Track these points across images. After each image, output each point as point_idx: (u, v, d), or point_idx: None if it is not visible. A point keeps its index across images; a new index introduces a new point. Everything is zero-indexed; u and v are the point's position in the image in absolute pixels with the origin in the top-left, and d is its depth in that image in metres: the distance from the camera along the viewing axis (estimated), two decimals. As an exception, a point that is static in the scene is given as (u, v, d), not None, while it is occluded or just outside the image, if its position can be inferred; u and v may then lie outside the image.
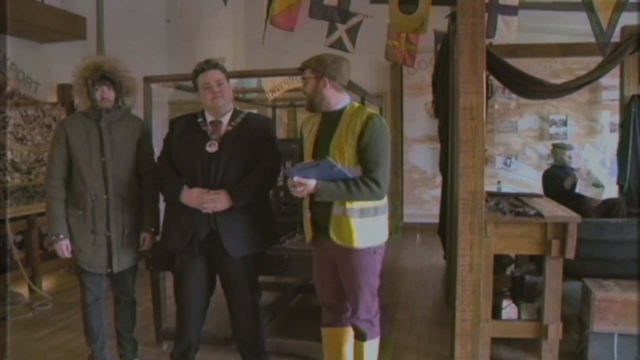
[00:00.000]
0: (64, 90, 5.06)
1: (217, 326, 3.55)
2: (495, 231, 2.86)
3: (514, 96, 5.92)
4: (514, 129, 6.78)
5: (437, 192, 5.11)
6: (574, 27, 4.63)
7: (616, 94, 4.64)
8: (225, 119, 2.61)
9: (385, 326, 3.37)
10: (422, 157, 7.02)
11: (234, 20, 7.10)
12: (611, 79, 5.25)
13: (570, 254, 2.77)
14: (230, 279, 2.61)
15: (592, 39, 2.95)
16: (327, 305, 2.50)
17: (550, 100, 6.10)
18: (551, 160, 4.98)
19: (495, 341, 3.03)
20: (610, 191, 4.20)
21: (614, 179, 4.07)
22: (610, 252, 3.08)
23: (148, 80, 3.18)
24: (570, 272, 3.01)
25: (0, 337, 3.46)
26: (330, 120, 2.33)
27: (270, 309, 3.52)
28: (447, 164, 3.61)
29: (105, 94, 2.66)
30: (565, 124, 6.65)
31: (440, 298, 4.25)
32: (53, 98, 5.11)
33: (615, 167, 4.02)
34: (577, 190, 4.13)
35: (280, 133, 6.68)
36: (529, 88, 3.41)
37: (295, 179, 2.18)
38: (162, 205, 2.73)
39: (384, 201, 2.32)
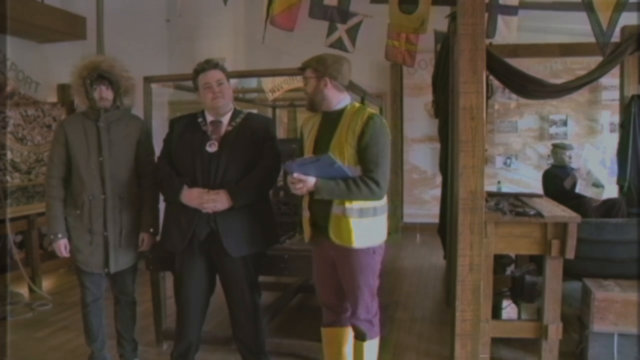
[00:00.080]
0: (64, 90, 5.06)
1: (217, 326, 3.55)
2: (495, 231, 2.86)
3: (514, 96, 5.92)
4: (514, 129, 6.78)
5: (437, 192, 5.11)
6: (574, 27, 4.63)
7: (616, 94, 4.64)
8: (226, 119, 2.61)
9: (385, 326, 3.36)
10: (422, 157, 7.02)
11: (234, 20, 7.10)
12: (611, 79, 5.25)
13: (570, 254, 2.77)
14: (230, 279, 2.61)
15: (592, 39, 2.96)
16: (326, 305, 2.50)
17: (550, 100, 6.10)
18: (551, 160, 4.98)
19: (495, 341, 3.03)
20: (610, 191, 4.21)
21: (614, 179, 4.07)
22: (610, 252, 3.08)
23: (148, 80, 3.18)
24: (570, 272, 3.01)
25: (0, 337, 3.46)
26: (331, 120, 2.33)
27: (270, 309, 3.52)
28: (447, 164, 3.61)
29: (103, 94, 2.66)
30: (565, 124, 6.66)
31: (440, 298, 4.25)
32: (53, 98, 5.11)
33: (615, 167, 4.02)
34: (577, 190, 4.13)
35: (280, 133, 6.68)
36: (529, 88, 3.42)
37: (295, 175, 2.18)
38: (162, 205, 2.73)
39: (384, 201, 2.32)
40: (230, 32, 7.12)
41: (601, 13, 2.87)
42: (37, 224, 4.59)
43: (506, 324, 3.13)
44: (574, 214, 2.88)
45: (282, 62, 6.28)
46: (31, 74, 4.85)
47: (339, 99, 2.34)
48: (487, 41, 3.24)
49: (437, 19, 4.15)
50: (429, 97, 5.02)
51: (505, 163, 6.80)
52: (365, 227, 2.26)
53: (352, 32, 4.96)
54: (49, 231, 2.71)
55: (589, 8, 2.88)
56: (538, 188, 4.98)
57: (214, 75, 2.54)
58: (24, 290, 4.41)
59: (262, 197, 2.64)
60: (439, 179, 5.08)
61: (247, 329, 2.67)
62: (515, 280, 3.37)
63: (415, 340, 3.40)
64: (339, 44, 4.92)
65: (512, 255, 3.94)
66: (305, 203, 2.38)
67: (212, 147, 2.52)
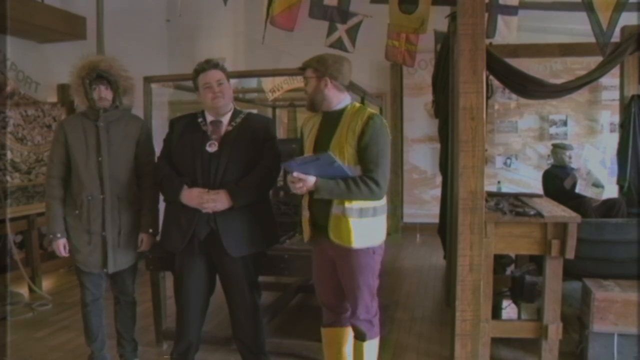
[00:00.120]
0: (64, 90, 5.05)
1: (217, 326, 3.55)
2: (495, 231, 2.86)
3: (514, 96, 5.92)
4: (514, 129, 6.78)
5: (437, 192, 5.11)
6: (574, 27, 4.63)
7: (616, 94, 4.64)
8: (226, 119, 2.61)
9: (385, 326, 3.36)
10: (422, 157, 7.02)
11: (234, 20, 7.10)
12: (611, 79, 5.25)
13: (570, 254, 2.77)
14: (230, 278, 2.61)
15: (592, 39, 2.96)
16: (326, 305, 2.50)
17: (550, 100, 6.10)
18: (551, 160, 4.98)
19: (495, 341, 3.03)
20: (610, 191, 4.20)
21: (614, 179, 4.07)
22: (610, 252, 3.08)
23: (148, 80, 3.18)
24: (570, 272, 3.01)
25: (0, 337, 3.46)
26: (331, 120, 2.33)
27: (270, 309, 3.52)
28: (447, 164, 3.61)
29: (102, 94, 2.66)
30: (565, 124, 6.66)
31: (440, 298, 4.25)
32: (53, 98, 5.10)
33: (615, 167, 4.02)
34: (577, 190, 4.13)
35: (280, 133, 6.68)
36: (529, 88, 3.41)
37: (295, 174, 2.18)
38: (162, 205, 2.73)
39: (383, 201, 2.32)
40: (230, 32, 7.12)
41: (601, 13, 2.87)
42: (37, 224, 4.59)
43: (506, 324, 3.13)
44: (574, 214, 2.87)
45: (282, 62, 6.28)
46: (31, 74, 4.85)
47: (340, 99, 2.34)
48: (487, 41, 3.24)
49: (437, 19, 4.15)
50: (429, 97, 5.02)
51: (505, 163, 6.80)
52: (365, 227, 2.26)
53: (352, 32, 4.97)
54: (49, 231, 2.72)
55: (589, 8, 2.88)
56: (538, 188, 4.98)
57: (214, 75, 2.54)
58: (24, 290, 4.41)
59: (262, 197, 2.64)
60: (439, 179, 5.08)
61: (247, 329, 2.67)
62: (515, 280, 3.37)
63: (415, 340, 3.40)
64: (339, 44, 4.92)
65: (512, 255, 3.93)
66: (305, 203, 2.38)
67: (212, 147, 2.52)
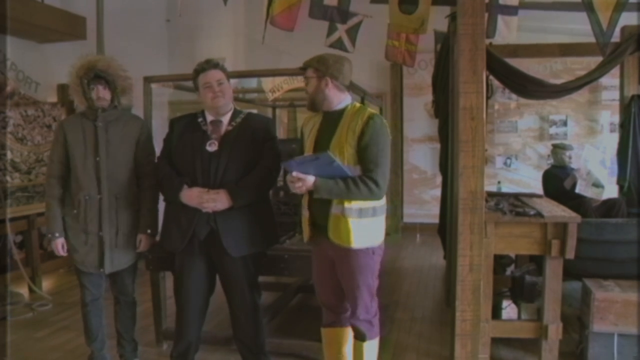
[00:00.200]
0: (64, 90, 5.05)
1: (217, 326, 3.55)
2: (495, 231, 2.86)
3: (514, 96, 5.92)
4: (514, 129, 6.78)
5: (437, 192, 5.11)
6: (574, 27, 4.62)
7: (616, 94, 4.64)
8: (226, 119, 2.61)
9: (385, 326, 3.36)
10: (422, 157, 7.02)
11: (234, 20, 7.09)
12: (611, 79, 5.25)
13: (570, 254, 2.77)
14: (230, 278, 2.61)
15: (592, 39, 2.96)
16: (326, 306, 2.50)
17: (550, 100, 6.09)
18: (551, 161, 4.98)
19: (495, 341, 3.03)
20: (610, 191, 4.20)
21: (614, 179, 4.07)
22: (610, 252, 3.08)
23: (148, 80, 3.18)
24: (570, 272, 3.01)
25: (0, 337, 3.46)
26: (331, 120, 2.33)
27: (270, 309, 3.52)
28: (447, 164, 3.61)
29: (101, 93, 2.66)
30: (565, 124, 6.65)
31: (440, 298, 4.25)
32: (53, 98, 5.11)
33: (615, 167, 4.02)
34: (577, 190, 4.13)
35: (280, 133, 6.68)
36: (529, 88, 3.41)
37: (294, 173, 2.18)
38: (161, 205, 2.73)
39: (383, 201, 2.32)
40: (230, 32, 7.11)
41: (601, 13, 2.87)
42: (37, 224, 4.59)
43: (506, 324, 3.13)
44: (574, 214, 2.88)
45: (282, 62, 6.27)
46: (31, 74, 4.85)
47: (340, 99, 2.34)
48: (487, 41, 3.24)
49: (437, 19, 4.15)
50: (429, 97, 5.02)
51: (505, 163, 6.80)
52: (364, 227, 2.26)
53: (352, 32, 4.97)
54: (47, 230, 2.72)
55: (589, 8, 2.88)
56: (538, 188, 4.98)
57: (214, 75, 2.54)
58: (24, 290, 4.41)
59: (262, 197, 2.64)
60: (439, 179, 5.08)
61: (247, 329, 2.67)
62: (515, 280, 3.37)
63: (415, 340, 3.40)
64: (339, 44, 4.92)
65: (512, 255, 3.94)
66: (304, 202, 2.38)
67: (212, 147, 2.52)
